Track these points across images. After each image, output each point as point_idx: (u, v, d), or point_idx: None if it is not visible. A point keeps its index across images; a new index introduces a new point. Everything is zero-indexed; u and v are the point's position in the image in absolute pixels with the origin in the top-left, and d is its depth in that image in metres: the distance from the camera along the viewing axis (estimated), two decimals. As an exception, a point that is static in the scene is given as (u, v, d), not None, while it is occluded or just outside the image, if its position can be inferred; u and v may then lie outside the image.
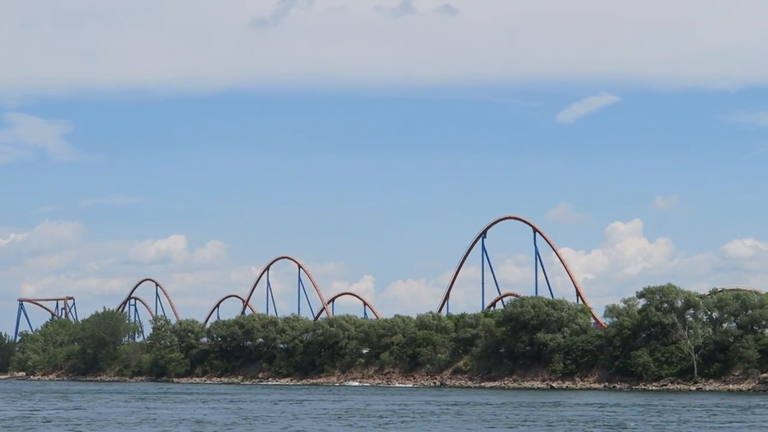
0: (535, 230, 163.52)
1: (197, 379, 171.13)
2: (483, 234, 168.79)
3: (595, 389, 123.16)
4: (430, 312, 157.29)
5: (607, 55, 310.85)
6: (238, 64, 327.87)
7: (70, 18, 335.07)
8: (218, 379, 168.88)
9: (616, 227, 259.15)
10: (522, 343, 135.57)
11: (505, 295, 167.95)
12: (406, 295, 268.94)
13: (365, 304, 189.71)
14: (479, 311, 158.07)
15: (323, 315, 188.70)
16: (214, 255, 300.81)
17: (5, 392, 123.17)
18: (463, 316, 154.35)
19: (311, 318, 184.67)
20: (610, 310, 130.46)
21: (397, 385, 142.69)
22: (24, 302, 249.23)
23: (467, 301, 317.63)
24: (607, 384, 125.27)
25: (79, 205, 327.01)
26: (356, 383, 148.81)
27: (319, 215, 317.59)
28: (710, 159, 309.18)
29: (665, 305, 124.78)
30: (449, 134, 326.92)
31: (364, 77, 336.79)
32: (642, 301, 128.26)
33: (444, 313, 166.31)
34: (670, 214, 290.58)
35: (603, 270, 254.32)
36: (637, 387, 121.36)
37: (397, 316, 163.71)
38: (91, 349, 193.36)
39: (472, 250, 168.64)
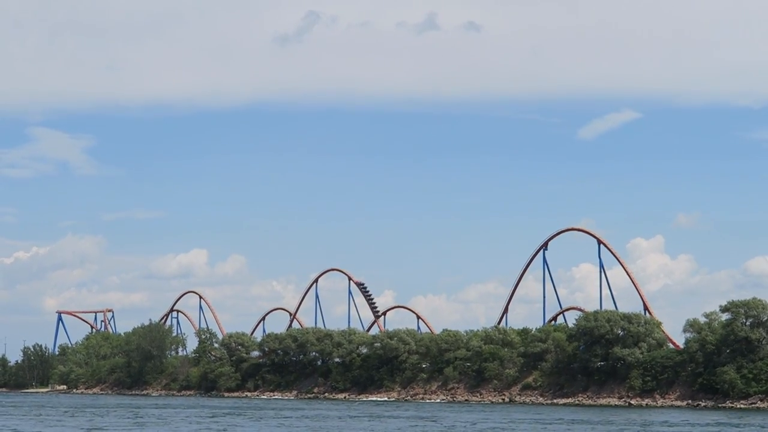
0: (599, 242, 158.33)
1: (249, 394, 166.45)
2: (544, 246, 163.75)
3: (678, 407, 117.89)
4: (495, 326, 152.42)
5: (629, 71, 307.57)
6: (261, 79, 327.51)
7: (92, 33, 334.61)
8: (271, 394, 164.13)
9: (637, 243, 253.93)
10: (596, 357, 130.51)
11: (568, 309, 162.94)
12: (427, 311, 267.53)
13: (418, 317, 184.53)
14: (532, 326, 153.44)
15: (374, 329, 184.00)
16: (235, 269, 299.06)
17: (69, 407, 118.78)
18: (525, 330, 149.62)
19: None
20: (691, 325, 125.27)
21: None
22: (62, 314, 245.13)
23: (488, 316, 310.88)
24: (690, 402, 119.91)
25: (101, 219, 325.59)
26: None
27: (339, 230, 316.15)
28: (732, 176, 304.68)
29: (751, 319, 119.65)
30: (470, 150, 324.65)
31: (387, 93, 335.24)
32: (725, 316, 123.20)
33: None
34: (692, 231, 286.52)
35: (624, 286, 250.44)
36: (723, 405, 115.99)
37: (445, 330, 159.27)
38: (136, 363, 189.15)
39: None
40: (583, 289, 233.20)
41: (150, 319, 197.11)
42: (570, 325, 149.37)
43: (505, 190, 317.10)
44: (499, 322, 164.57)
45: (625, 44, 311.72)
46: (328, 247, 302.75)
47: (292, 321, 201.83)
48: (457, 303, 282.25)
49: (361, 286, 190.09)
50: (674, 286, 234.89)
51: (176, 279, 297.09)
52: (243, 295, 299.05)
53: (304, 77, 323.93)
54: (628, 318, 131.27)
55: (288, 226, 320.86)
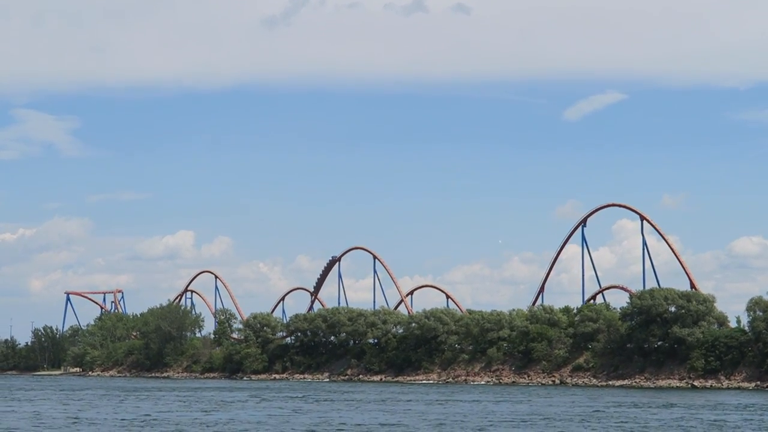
0: (642, 218, 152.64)
1: (277, 376, 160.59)
2: (583, 223, 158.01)
3: (745, 389, 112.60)
4: (541, 305, 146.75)
5: (614, 53, 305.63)
6: (248, 61, 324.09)
7: (78, 14, 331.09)
8: (300, 376, 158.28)
9: (623, 225, 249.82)
10: (654, 337, 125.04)
11: (608, 288, 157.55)
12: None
13: (448, 297, 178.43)
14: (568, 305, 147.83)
15: (401, 308, 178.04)
16: (221, 251, 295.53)
17: (105, 390, 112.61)
18: (567, 309, 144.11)
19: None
20: (756, 303, 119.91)
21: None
22: (71, 295, 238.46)
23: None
24: (759, 383, 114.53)
25: (87, 201, 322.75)
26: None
27: (324, 212, 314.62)
28: (718, 157, 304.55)
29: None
30: (456, 131, 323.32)
31: (374, 75, 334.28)
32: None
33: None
34: (677, 212, 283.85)
35: (609, 267, 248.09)
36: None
37: (469, 311, 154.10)
38: (155, 344, 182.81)
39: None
40: (569, 270, 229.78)
41: (169, 299, 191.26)
42: (611, 303, 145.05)
43: (491, 171, 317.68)
44: (534, 303, 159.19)
45: (611, 25, 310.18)
46: (314, 229, 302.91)
47: (313, 301, 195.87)
48: (443, 284, 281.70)
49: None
50: (658, 267, 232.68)
51: (162, 261, 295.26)
52: (229, 277, 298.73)
53: (292, 59, 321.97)
54: (686, 296, 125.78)
55: (275, 208, 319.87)
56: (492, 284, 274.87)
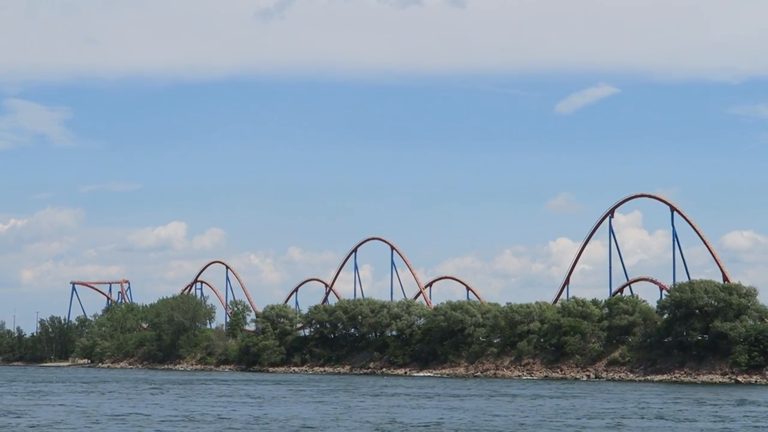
0: (672, 209, 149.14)
1: (296, 369, 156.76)
2: (610, 213, 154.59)
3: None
4: (573, 297, 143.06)
5: (607, 46, 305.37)
6: (241, 52, 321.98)
7: (71, 5, 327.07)
8: (320, 369, 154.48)
9: (615, 218, 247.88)
10: (694, 331, 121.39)
11: (635, 281, 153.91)
12: (405, 284, 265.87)
13: (468, 288, 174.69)
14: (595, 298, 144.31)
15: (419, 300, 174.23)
16: (213, 242, 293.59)
17: (131, 383, 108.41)
18: (595, 301, 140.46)
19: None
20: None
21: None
22: (77, 285, 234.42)
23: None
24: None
25: (79, 192, 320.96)
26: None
27: (319, 203, 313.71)
28: (711, 151, 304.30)
29: None
30: (449, 124, 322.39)
31: (368, 67, 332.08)
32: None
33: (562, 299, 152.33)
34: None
35: (601, 261, 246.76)
36: None
37: (491, 303, 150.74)
38: (167, 336, 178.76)
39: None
40: (560, 263, 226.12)
41: (183, 291, 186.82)
42: (640, 297, 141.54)
43: (483, 164, 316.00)
44: (558, 296, 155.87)
45: (603, 19, 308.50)
46: (305, 222, 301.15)
47: (328, 293, 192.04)
48: (433, 277, 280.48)
49: None
50: (650, 261, 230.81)
51: (154, 252, 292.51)
52: (222, 268, 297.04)
53: (286, 51, 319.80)
54: (728, 289, 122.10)
55: (267, 199, 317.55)
56: (483, 277, 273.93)
